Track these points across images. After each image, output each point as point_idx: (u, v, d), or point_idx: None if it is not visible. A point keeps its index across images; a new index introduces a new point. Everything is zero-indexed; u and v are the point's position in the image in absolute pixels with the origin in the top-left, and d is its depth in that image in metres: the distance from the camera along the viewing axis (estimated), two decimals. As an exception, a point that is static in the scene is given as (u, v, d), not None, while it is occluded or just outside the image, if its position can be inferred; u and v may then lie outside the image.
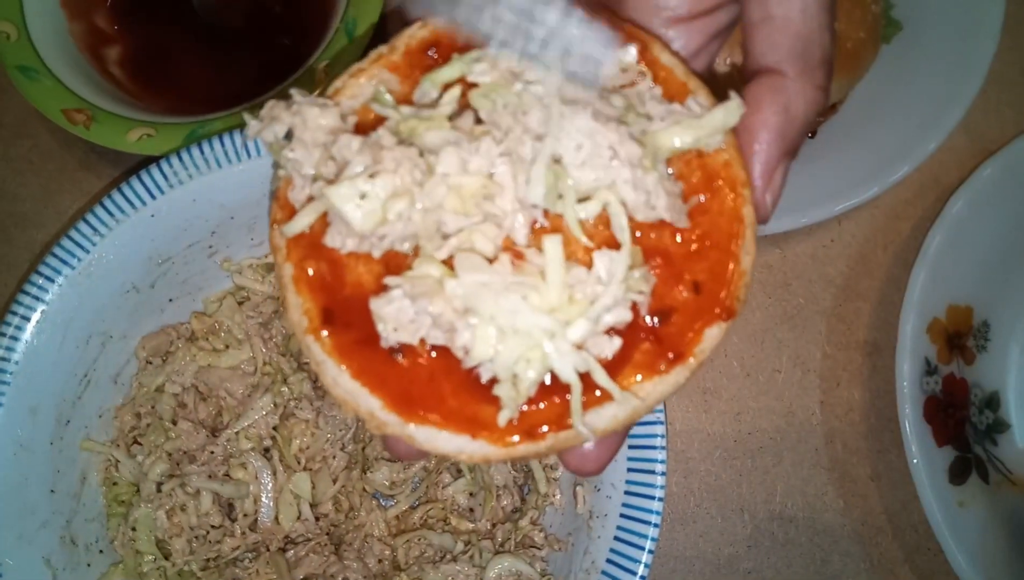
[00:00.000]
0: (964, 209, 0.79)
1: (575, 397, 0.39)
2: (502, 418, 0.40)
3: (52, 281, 0.65)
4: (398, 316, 0.40)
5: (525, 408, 0.40)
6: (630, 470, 0.62)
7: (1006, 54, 0.86)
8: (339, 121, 0.43)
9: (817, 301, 0.85)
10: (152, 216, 0.66)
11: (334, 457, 0.75)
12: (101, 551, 0.69)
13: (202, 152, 0.66)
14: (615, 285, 0.39)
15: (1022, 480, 0.74)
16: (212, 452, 0.73)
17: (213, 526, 0.72)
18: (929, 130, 0.81)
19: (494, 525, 0.74)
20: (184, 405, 0.74)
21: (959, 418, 0.77)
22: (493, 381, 0.40)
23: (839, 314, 0.84)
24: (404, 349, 0.41)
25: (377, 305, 0.40)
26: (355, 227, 0.40)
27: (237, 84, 0.81)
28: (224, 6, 0.87)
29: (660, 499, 0.61)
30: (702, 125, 0.41)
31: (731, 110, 0.41)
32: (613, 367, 0.40)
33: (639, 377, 0.41)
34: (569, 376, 0.39)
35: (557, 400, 0.40)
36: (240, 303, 0.78)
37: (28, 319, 0.64)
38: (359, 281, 0.42)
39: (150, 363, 0.74)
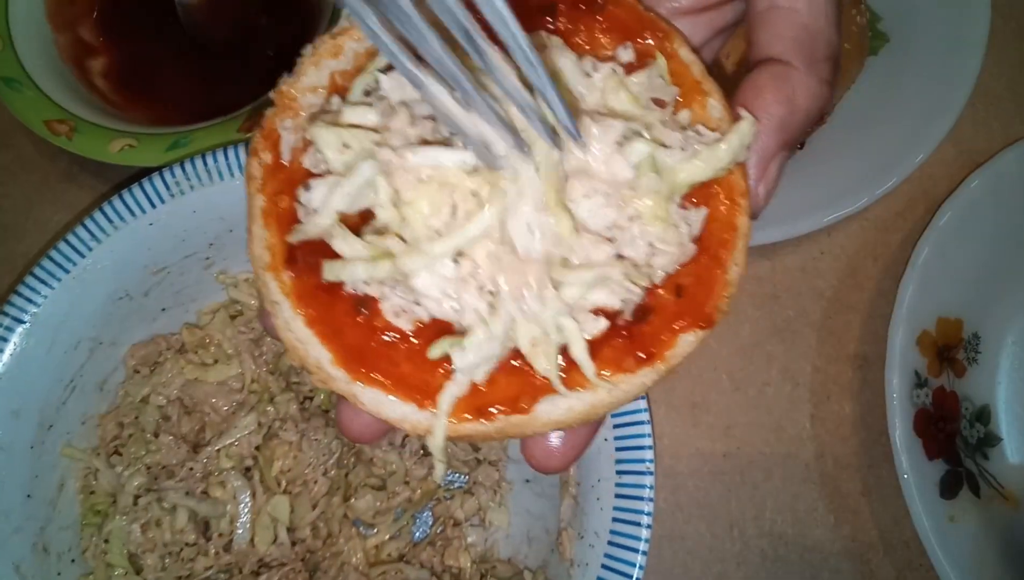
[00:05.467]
0: (953, 221, 0.82)
1: (552, 348, 0.38)
2: (455, 384, 0.39)
3: (46, 284, 0.67)
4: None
5: (481, 379, 0.39)
6: (615, 520, 0.63)
7: (993, 67, 0.90)
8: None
9: (807, 314, 0.87)
10: (151, 225, 0.69)
11: (316, 482, 0.76)
12: (73, 561, 0.71)
13: (205, 164, 0.69)
14: (615, 262, 0.39)
15: (1013, 495, 0.75)
16: (192, 468, 0.74)
17: (187, 544, 0.73)
18: (917, 142, 0.84)
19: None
20: (168, 418, 0.76)
21: (950, 431, 0.78)
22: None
23: (829, 327, 0.86)
24: (368, 303, 0.40)
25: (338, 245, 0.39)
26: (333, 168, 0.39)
27: (221, 96, 0.84)
28: (209, 19, 0.89)
29: (644, 552, 0.61)
30: (719, 158, 0.41)
31: (744, 133, 0.41)
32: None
33: (606, 372, 0.40)
34: (551, 326, 0.38)
35: (514, 379, 0.39)
36: (233, 317, 0.80)
37: (18, 321, 0.66)
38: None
39: (137, 372, 0.76)
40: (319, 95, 0.43)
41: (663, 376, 0.41)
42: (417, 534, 0.80)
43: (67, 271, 0.67)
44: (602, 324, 0.40)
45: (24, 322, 0.66)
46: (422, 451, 0.80)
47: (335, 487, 0.77)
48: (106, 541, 0.71)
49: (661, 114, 0.42)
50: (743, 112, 0.42)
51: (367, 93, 0.42)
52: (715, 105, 0.43)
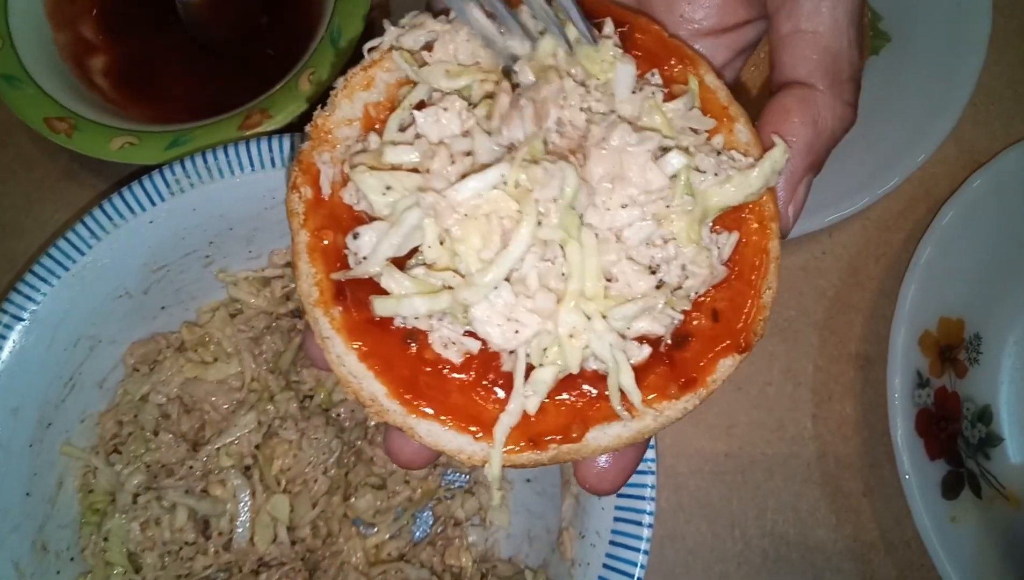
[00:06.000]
0: (954, 220, 0.82)
1: (615, 377, 0.39)
2: (508, 415, 0.40)
3: (45, 282, 0.67)
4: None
5: (533, 411, 0.40)
6: (617, 519, 0.63)
7: (994, 67, 0.90)
8: (478, 51, 0.44)
9: (808, 313, 0.87)
10: (151, 222, 0.69)
11: (315, 480, 0.76)
12: (72, 559, 0.70)
13: (204, 162, 0.69)
14: (657, 293, 0.40)
15: (1015, 495, 0.75)
16: (191, 467, 0.74)
17: (187, 542, 0.73)
18: (919, 141, 0.84)
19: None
20: (167, 416, 0.76)
21: (951, 431, 0.78)
22: (508, 381, 0.40)
23: (831, 327, 0.87)
24: (416, 336, 0.41)
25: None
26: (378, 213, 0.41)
27: (221, 94, 0.84)
28: (209, 17, 0.89)
29: (645, 552, 0.61)
30: (751, 182, 0.42)
31: (776, 160, 0.42)
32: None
33: (650, 397, 0.41)
34: (607, 355, 0.39)
35: (565, 408, 0.41)
36: (232, 316, 0.79)
37: (17, 318, 0.66)
38: None
39: (137, 370, 0.76)
40: (353, 127, 0.44)
41: (704, 400, 0.42)
42: (417, 533, 0.80)
43: (67, 269, 0.67)
44: (646, 352, 0.41)
45: (23, 320, 0.66)
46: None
47: (335, 486, 0.77)
48: (105, 539, 0.71)
49: (695, 139, 0.43)
50: (776, 139, 0.43)
51: (402, 129, 0.43)
52: (742, 130, 0.44)
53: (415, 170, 0.41)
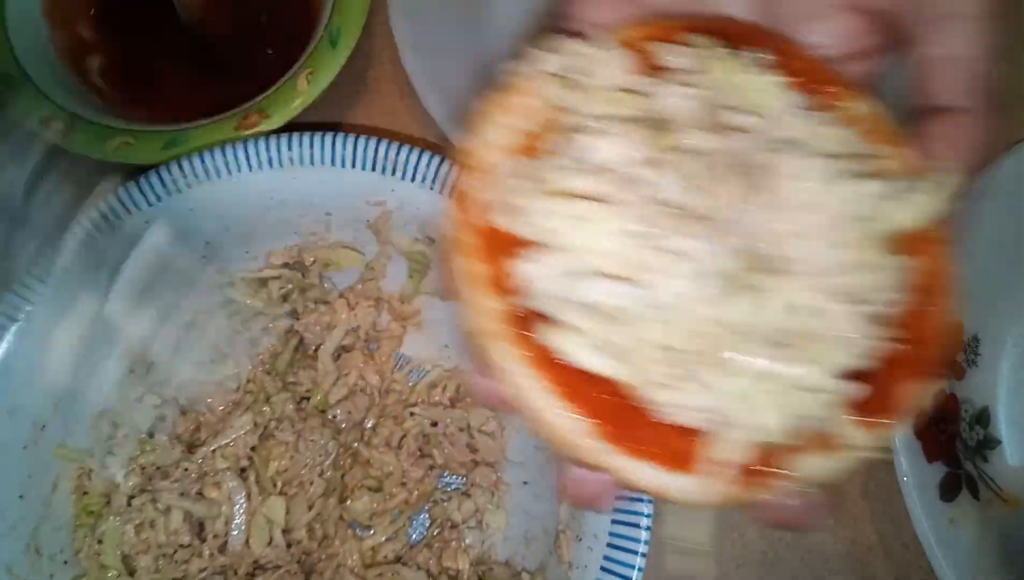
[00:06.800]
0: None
1: (800, 454, 0.39)
2: (715, 462, 0.39)
3: (40, 281, 0.66)
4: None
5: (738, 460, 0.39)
6: (614, 522, 0.62)
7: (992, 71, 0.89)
8: (631, 76, 0.43)
9: (806, 316, 0.87)
10: (146, 222, 0.68)
11: (312, 483, 0.76)
12: (65, 562, 0.70)
13: (202, 161, 0.69)
14: (856, 325, 0.40)
15: (1013, 497, 0.75)
16: (186, 469, 0.74)
17: (182, 545, 0.73)
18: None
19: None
20: (163, 418, 0.75)
21: (950, 433, 0.78)
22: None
23: (828, 329, 0.86)
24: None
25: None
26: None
27: (219, 94, 0.84)
28: (208, 16, 0.89)
29: (643, 554, 0.61)
30: (925, 205, 0.41)
31: (947, 183, 0.42)
32: None
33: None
34: (795, 430, 0.39)
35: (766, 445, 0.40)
36: (229, 317, 0.79)
37: (12, 319, 0.66)
38: None
39: (132, 371, 0.75)
40: (502, 154, 0.44)
41: (901, 425, 0.42)
42: (414, 536, 0.79)
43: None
44: (853, 387, 0.40)
45: (18, 320, 0.66)
46: (419, 452, 0.79)
47: (331, 488, 0.76)
48: (100, 542, 0.70)
49: (866, 164, 0.43)
50: (945, 162, 0.43)
51: (562, 154, 0.43)
52: (905, 153, 0.44)
53: (583, 197, 0.40)
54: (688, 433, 0.40)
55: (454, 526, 0.78)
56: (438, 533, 0.78)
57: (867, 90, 0.47)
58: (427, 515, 0.80)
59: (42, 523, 0.69)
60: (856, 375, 0.41)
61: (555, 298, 0.40)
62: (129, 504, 0.72)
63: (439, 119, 0.84)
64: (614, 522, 0.63)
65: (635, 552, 0.61)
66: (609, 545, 0.62)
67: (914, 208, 0.41)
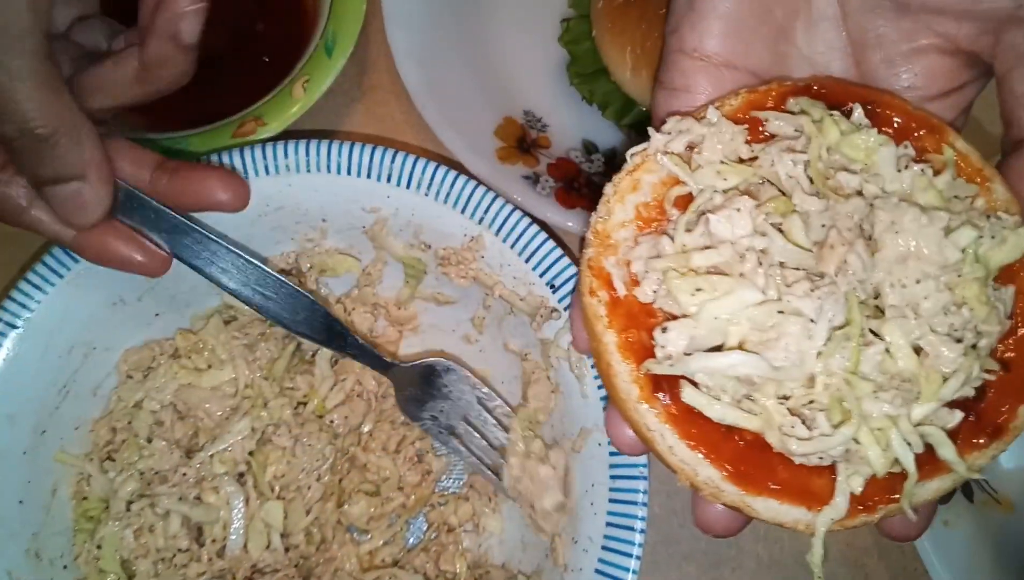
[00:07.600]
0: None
1: (910, 481, 0.43)
2: (839, 502, 0.44)
3: (40, 289, 0.67)
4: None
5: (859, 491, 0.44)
6: (609, 525, 0.64)
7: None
8: (741, 147, 0.48)
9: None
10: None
11: (309, 487, 0.76)
12: (65, 567, 0.71)
13: None
14: (968, 359, 0.43)
15: (1007, 499, 0.76)
16: (185, 474, 0.74)
17: (180, 550, 0.73)
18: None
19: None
20: (161, 423, 0.76)
21: (944, 436, 0.79)
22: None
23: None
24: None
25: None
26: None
27: (216, 102, 0.84)
28: (204, 25, 0.89)
29: (638, 557, 0.62)
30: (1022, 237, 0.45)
31: None
32: None
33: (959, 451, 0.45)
34: (909, 463, 0.43)
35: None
36: (227, 322, 0.80)
37: (12, 326, 0.66)
38: None
39: (131, 377, 0.76)
40: (629, 229, 0.49)
41: (1007, 447, 0.46)
42: (411, 540, 0.80)
43: (61, 276, 0.67)
44: (959, 417, 0.44)
45: (18, 327, 0.66)
46: (416, 458, 0.80)
47: (329, 493, 0.77)
48: (99, 547, 0.71)
49: (964, 205, 0.47)
50: None
51: (687, 230, 0.47)
52: (999, 189, 0.47)
53: (710, 272, 0.45)
54: (814, 472, 0.44)
55: (451, 530, 0.79)
56: (435, 537, 0.79)
57: (958, 126, 0.51)
58: (424, 519, 0.80)
59: (42, 528, 0.69)
60: (963, 404, 0.44)
61: (691, 364, 0.44)
62: (128, 509, 0.72)
63: (434, 126, 0.85)
64: (609, 525, 0.63)
65: (630, 555, 0.62)
66: (604, 548, 0.63)
67: (1009, 247, 0.45)
